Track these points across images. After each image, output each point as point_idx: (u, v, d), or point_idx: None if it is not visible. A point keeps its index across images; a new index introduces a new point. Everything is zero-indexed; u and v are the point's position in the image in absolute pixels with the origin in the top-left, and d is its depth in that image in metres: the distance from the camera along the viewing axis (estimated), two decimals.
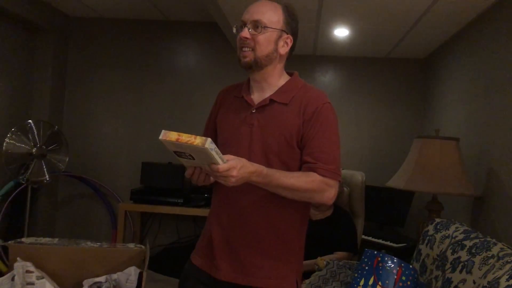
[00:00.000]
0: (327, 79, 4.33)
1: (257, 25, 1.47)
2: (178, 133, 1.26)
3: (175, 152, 1.32)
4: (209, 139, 1.23)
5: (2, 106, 3.78)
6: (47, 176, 3.64)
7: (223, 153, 1.34)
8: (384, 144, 4.25)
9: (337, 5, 2.96)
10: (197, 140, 1.24)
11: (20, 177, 3.55)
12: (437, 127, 3.20)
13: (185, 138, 1.25)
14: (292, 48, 1.58)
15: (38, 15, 3.89)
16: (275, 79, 1.56)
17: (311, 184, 1.43)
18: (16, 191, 3.70)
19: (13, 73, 3.89)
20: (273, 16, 1.49)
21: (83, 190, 4.37)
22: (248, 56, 1.48)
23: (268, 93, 1.54)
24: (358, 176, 3.13)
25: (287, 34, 1.53)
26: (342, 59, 4.32)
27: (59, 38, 4.26)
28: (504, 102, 2.51)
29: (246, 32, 1.47)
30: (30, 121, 3.60)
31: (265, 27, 1.47)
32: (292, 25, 1.55)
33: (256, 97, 1.56)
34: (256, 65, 1.49)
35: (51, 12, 4.09)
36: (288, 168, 1.48)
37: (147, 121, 4.35)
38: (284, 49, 1.54)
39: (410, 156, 2.84)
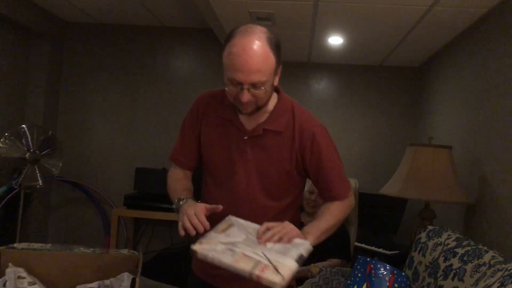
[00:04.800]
0: (321, 87, 4.35)
1: (256, 86, 1.35)
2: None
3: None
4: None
5: None
6: (40, 181, 3.63)
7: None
8: (377, 151, 4.27)
9: (332, 14, 2.98)
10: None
11: (13, 182, 3.53)
12: (430, 135, 3.22)
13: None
14: None
15: (33, 20, 3.89)
16: (267, 105, 1.49)
17: (343, 212, 1.60)
18: (9, 196, 3.68)
19: (7, 78, 3.88)
20: (268, 67, 1.36)
21: (77, 195, 4.35)
22: (250, 108, 1.41)
23: (259, 119, 1.49)
24: (352, 183, 3.13)
25: (279, 67, 1.43)
26: (336, 66, 4.34)
27: (54, 43, 4.26)
28: (497, 110, 2.53)
29: (247, 96, 1.35)
30: (23, 125, 3.59)
31: (265, 83, 1.36)
32: (279, 54, 1.41)
33: (246, 122, 1.50)
34: (258, 110, 1.44)
35: (46, 17, 4.09)
36: (287, 193, 1.55)
37: (141, 126, 4.35)
38: (277, 80, 1.45)
39: (403, 164, 2.86)
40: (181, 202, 1.45)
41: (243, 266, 1.22)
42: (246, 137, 1.49)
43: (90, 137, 4.38)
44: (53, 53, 4.24)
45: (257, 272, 1.20)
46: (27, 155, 3.53)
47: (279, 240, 1.34)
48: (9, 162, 3.48)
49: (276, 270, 1.21)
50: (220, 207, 1.40)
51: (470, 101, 2.94)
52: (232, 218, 1.43)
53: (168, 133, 4.30)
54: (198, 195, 1.56)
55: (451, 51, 3.41)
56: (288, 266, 1.23)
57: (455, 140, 3.08)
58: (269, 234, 1.34)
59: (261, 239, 1.33)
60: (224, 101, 1.52)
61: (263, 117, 1.49)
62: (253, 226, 1.41)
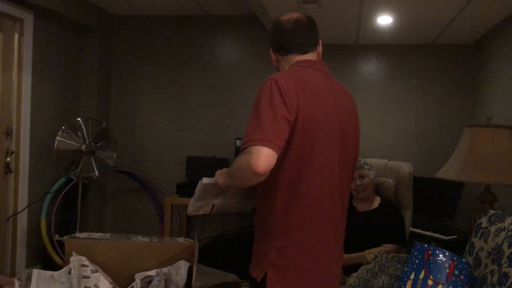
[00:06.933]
0: (370, 68, 4.23)
1: None
2: None
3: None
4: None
5: (53, 105, 3.92)
6: (96, 172, 3.76)
7: None
8: (432, 134, 4.12)
9: None
10: None
11: (71, 173, 3.69)
12: (489, 115, 3.07)
13: None
14: (282, 49, 1.70)
15: (84, 15, 4.00)
16: None
17: (236, 163, 1.45)
18: (68, 187, 3.85)
19: (62, 73, 4.03)
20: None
21: (131, 184, 4.49)
22: None
23: None
24: (406, 167, 3.05)
25: (273, 50, 1.75)
26: (385, 47, 4.20)
27: (105, 37, 4.37)
28: None
29: None
30: (79, 119, 3.73)
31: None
32: (273, 39, 1.72)
33: None
34: None
35: (96, 12, 4.20)
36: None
37: (190, 115, 4.41)
38: (274, 57, 1.76)
39: (460, 146, 2.74)
40: None
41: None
42: None
43: (142, 127, 4.49)
44: (103, 47, 4.36)
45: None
46: (83, 147, 3.67)
47: None
48: (67, 154, 3.63)
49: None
50: None
51: None
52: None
53: (217, 121, 4.33)
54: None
55: (510, 24, 3.21)
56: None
57: None
58: None
59: None
60: None
61: None
62: None
